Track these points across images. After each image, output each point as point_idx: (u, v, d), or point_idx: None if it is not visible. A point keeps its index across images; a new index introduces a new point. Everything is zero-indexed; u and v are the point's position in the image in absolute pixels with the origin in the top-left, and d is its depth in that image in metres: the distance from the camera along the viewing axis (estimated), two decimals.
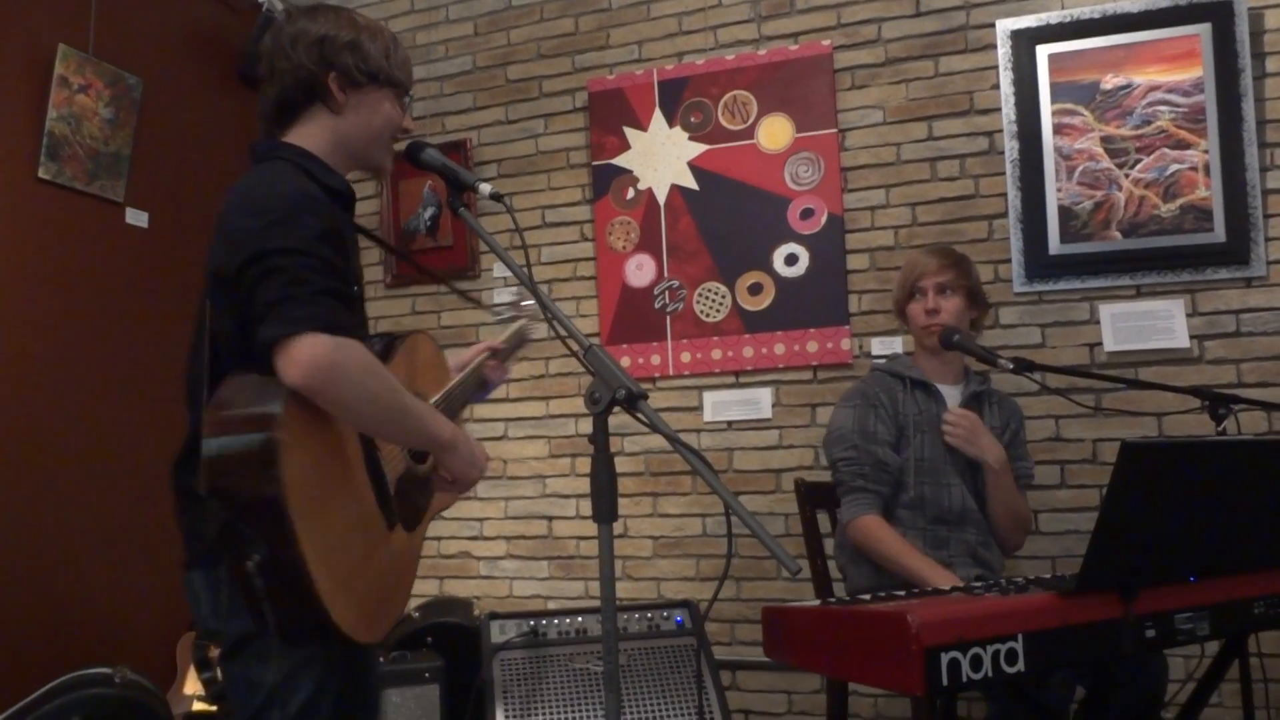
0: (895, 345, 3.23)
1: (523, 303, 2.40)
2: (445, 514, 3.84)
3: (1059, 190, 3.17)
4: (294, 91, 1.72)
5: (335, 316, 1.49)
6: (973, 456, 2.47)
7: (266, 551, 1.41)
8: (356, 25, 1.77)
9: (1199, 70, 3.05)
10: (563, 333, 1.57)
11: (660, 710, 2.67)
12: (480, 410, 3.79)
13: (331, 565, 1.46)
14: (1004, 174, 3.23)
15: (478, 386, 2.09)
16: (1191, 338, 3.04)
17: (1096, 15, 3.15)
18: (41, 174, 3.18)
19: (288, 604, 1.44)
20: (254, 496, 1.40)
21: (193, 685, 3.17)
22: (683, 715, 2.65)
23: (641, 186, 3.65)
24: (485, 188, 1.73)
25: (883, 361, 2.70)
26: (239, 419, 1.43)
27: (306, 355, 1.44)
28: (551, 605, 3.61)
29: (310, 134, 1.74)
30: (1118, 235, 3.11)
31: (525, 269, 1.61)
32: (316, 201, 1.60)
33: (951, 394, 2.58)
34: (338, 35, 1.73)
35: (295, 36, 1.72)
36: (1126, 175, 3.12)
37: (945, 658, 1.45)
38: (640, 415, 1.43)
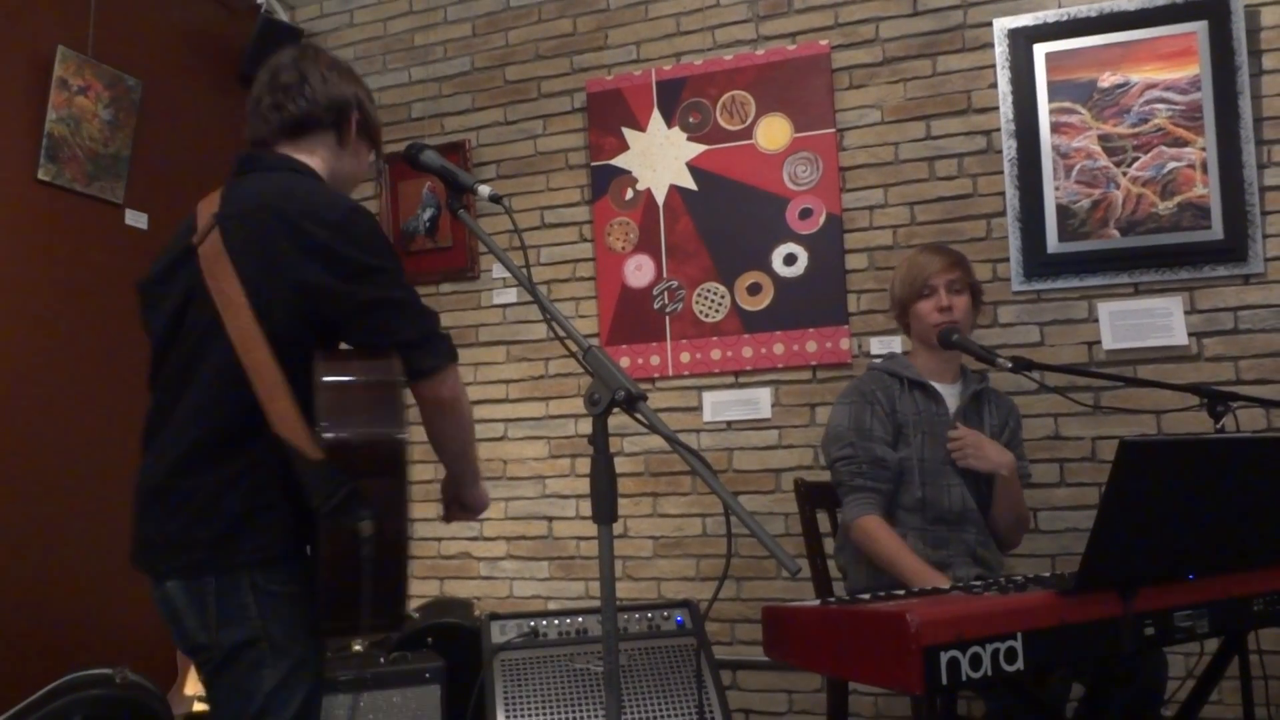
0: (894, 345, 3.23)
1: None
2: None
3: (1057, 189, 3.18)
4: (323, 112, 1.84)
5: (450, 346, 1.74)
6: (984, 471, 2.47)
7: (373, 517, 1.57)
8: (365, 87, 1.95)
9: (1196, 68, 3.05)
10: (562, 334, 1.57)
11: (661, 710, 2.67)
12: (480, 411, 3.79)
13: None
14: (1002, 173, 3.24)
15: None
16: (1190, 335, 3.04)
17: (1093, 14, 3.15)
18: (41, 175, 3.18)
19: (388, 578, 1.58)
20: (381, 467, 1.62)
21: (193, 686, 3.17)
22: (683, 715, 2.66)
23: (640, 187, 3.65)
24: (484, 189, 1.74)
25: (879, 360, 2.70)
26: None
27: (453, 383, 1.74)
28: (552, 606, 3.61)
29: (314, 156, 1.84)
30: (1116, 233, 3.12)
31: (524, 270, 1.61)
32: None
33: (950, 393, 2.58)
34: (360, 84, 1.92)
35: (337, 72, 1.88)
36: (1124, 173, 3.12)
37: (944, 656, 1.45)
38: (639, 416, 1.44)
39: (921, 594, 1.86)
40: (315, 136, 1.85)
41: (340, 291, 1.64)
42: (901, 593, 1.91)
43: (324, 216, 1.65)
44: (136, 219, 3.54)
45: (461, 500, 1.97)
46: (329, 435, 1.59)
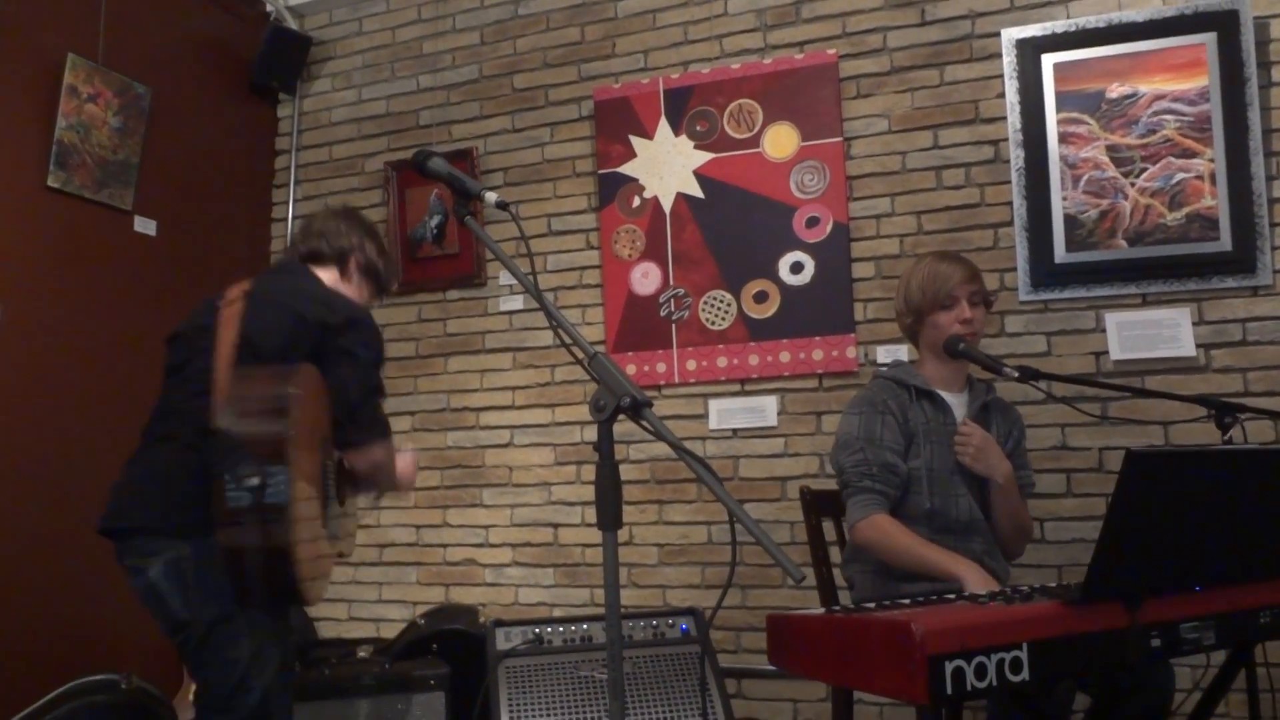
0: (900, 354, 3.23)
1: None
2: (451, 522, 3.86)
3: (1064, 199, 3.17)
4: (329, 250, 2.40)
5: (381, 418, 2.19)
6: (980, 473, 2.46)
7: (259, 473, 1.86)
8: (379, 242, 2.51)
9: (1204, 79, 3.05)
10: (568, 340, 1.58)
11: (665, 717, 2.67)
12: (486, 418, 3.80)
13: (300, 506, 1.90)
14: (1009, 183, 3.24)
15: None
16: (1198, 346, 3.03)
17: (1102, 24, 3.15)
18: (50, 182, 3.20)
19: (263, 523, 1.86)
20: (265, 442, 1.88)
21: None
22: None
23: (647, 195, 3.66)
24: (491, 196, 1.75)
25: (885, 369, 2.69)
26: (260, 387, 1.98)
27: (381, 452, 2.17)
28: (557, 612, 3.61)
29: (330, 279, 2.36)
30: (1123, 244, 3.11)
31: (531, 277, 1.62)
32: None
33: (957, 402, 2.57)
34: (372, 242, 2.47)
35: (366, 229, 2.47)
36: (1132, 184, 3.12)
37: (949, 666, 1.44)
38: (645, 423, 1.44)
39: (927, 603, 1.86)
40: (325, 264, 2.39)
41: (324, 325, 2.11)
42: (907, 601, 1.90)
43: (330, 302, 2.19)
44: (145, 225, 3.56)
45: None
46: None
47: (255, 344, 2.08)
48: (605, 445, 1.46)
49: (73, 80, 3.25)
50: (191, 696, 3.20)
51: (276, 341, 2.09)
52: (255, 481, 1.86)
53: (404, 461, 2.40)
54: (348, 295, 2.36)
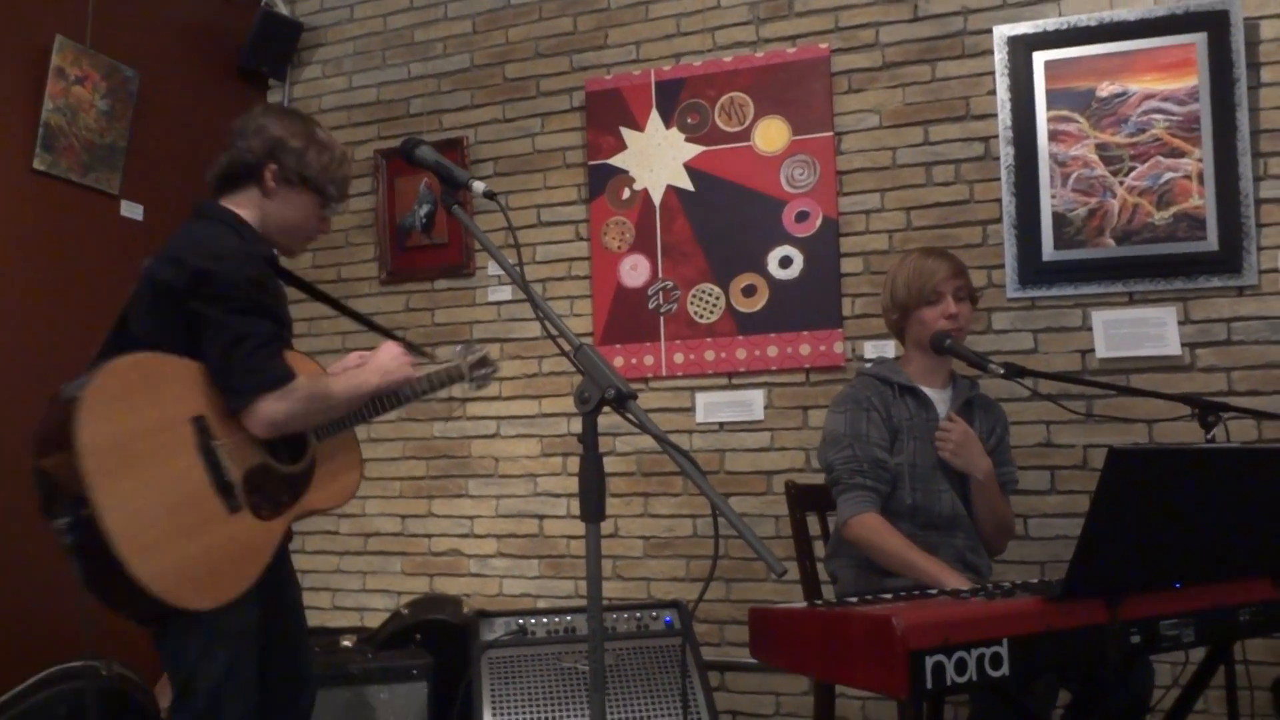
0: (887, 349, 3.23)
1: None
2: (436, 512, 3.86)
3: (1053, 196, 3.18)
4: (238, 168, 2.11)
5: (277, 372, 1.95)
6: (959, 469, 2.47)
7: (70, 513, 1.73)
8: (309, 137, 2.12)
9: (1194, 79, 3.06)
10: (554, 332, 1.58)
11: (647, 710, 2.67)
12: (472, 408, 3.79)
13: (135, 530, 1.76)
14: (999, 179, 3.24)
15: (382, 404, 2.27)
16: (1183, 345, 3.05)
17: (1093, 23, 3.16)
18: (37, 165, 3.18)
19: (91, 557, 1.74)
20: (52, 456, 1.78)
21: None
22: (670, 716, 2.66)
23: (637, 187, 3.65)
24: (478, 186, 1.75)
25: (869, 366, 2.69)
26: (60, 397, 1.83)
27: (266, 415, 1.94)
28: (541, 604, 3.61)
29: (243, 205, 2.11)
30: (1111, 242, 3.12)
31: (518, 268, 1.61)
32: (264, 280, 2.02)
33: (940, 398, 2.58)
34: (288, 139, 2.10)
35: (257, 129, 2.10)
36: (1121, 183, 3.13)
37: (930, 661, 1.45)
38: (629, 415, 1.44)
39: (908, 598, 1.86)
40: (242, 189, 2.12)
41: (183, 294, 1.93)
42: (889, 596, 1.91)
43: (180, 258, 1.95)
44: (132, 210, 3.53)
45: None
46: None
47: (129, 328, 1.98)
48: (589, 437, 1.46)
49: (60, 62, 3.22)
50: None
51: (145, 323, 1.96)
52: (64, 523, 1.76)
53: (383, 357, 2.18)
54: (278, 218, 2.12)
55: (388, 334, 2.21)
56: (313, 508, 2.10)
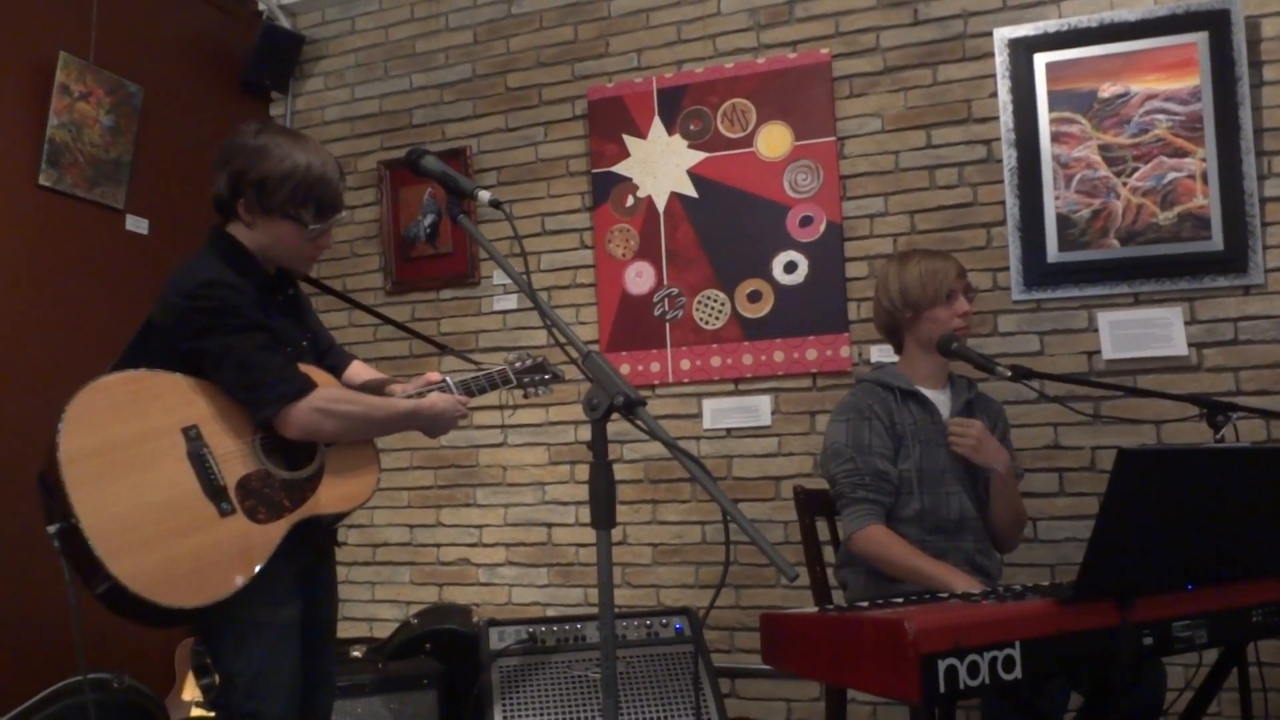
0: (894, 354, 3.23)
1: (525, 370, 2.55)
2: (445, 521, 3.86)
3: (1057, 198, 3.18)
4: (217, 203, 2.11)
5: (299, 383, 2.00)
6: (980, 465, 2.47)
7: (61, 520, 1.81)
8: (273, 164, 2.05)
9: (1196, 79, 3.06)
10: (562, 340, 1.58)
11: (659, 717, 2.67)
12: (480, 417, 3.79)
13: (114, 531, 1.82)
14: (1002, 182, 3.24)
15: None
16: (1190, 346, 3.04)
17: (1094, 24, 3.16)
18: (42, 181, 3.19)
19: (79, 562, 1.82)
20: (46, 469, 1.87)
21: (191, 691, 3.16)
22: None
23: (641, 194, 3.66)
24: (484, 195, 1.76)
25: (868, 373, 2.68)
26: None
27: (299, 421, 2.00)
28: (550, 612, 3.61)
29: (240, 232, 2.11)
30: (1116, 243, 3.12)
31: (524, 276, 1.62)
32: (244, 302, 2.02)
33: (942, 400, 2.58)
34: (249, 171, 2.05)
35: (224, 162, 2.08)
36: (1124, 183, 3.12)
37: (942, 665, 1.45)
38: (638, 421, 1.44)
39: (920, 602, 1.86)
40: (233, 218, 2.11)
41: (151, 329, 2.04)
42: (900, 600, 1.90)
43: (163, 295, 2.03)
44: (137, 224, 3.54)
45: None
46: None
47: (129, 364, 2.03)
48: (599, 444, 1.46)
49: (64, 79, 3.24)
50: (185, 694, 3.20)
51: (136, 359, 2.03)
52: (54, 529, 1.84)
53: (442, 406, 2.21)
54: (266, 246, 2.10)
55: (441, 347, 2.20)
56: (320, 511, 2.09)
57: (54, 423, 1.86)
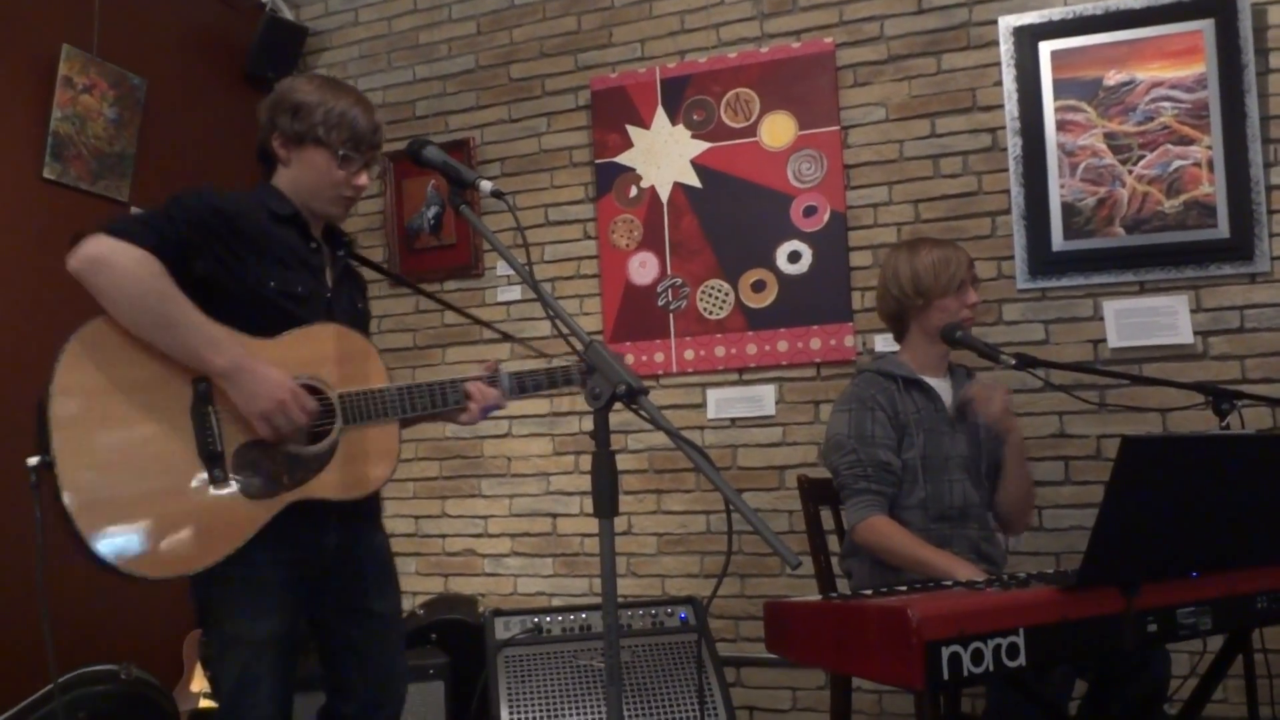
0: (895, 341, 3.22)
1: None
2: (450, 512, 3.87)
3: (1062, 187, 3.17)
4: (259, 151, 2.07)
5: (133, 228, 1.81)
6: (1003, 429, 2.48)
7: (42, 454, 1.72)
8: (307, 94, 2.01)
9: (1202, 66, 3.05)
10: (565, 330, 1.58)
11: (664, 706, 2.68)
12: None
13: (90, 482, 1.73)
14: (1007, 171, 3.23)
15: (433, 401, 2.07)
16: (1195, 334, 3.03)
17: (1099, 11, 3.14)
18: (46, 174, 3.19)
19: (54, 507, 1.72)
20: (41, 396, 1.76)
21: (199, 683, 3.18)
22: (686, 711, 2.66)
23: (644, 184, 3.65)
24: (486, 185, 1.75)
25: (869, 363, 2.68)
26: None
27: (85, 248, 1.78)
28: (555, 602, 3.61)
29: (280, 179, 2.06)
30: (1121, 231, 3.11)
31: (527, 267, 1.61)
32: (224, 203, 1.93)
33: (943, 387, 2.59)
34: (284, 101, 2.02)
35: (262, 105, 2.05)
36: (1130, 171, 3.11)
37: (946, 652, 1.45)
38: (641, 410, 1.44)
39: (924, 589, 1.86)
40: (277, 165, 2.06)
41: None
42: (904, 588, 1.91)
43: None
44: None
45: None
46: None
47: None
48: (601, 433, 1.46)
49: (68, 71, 3.24)
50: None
51: None
52: (33, 462, 1.73)
53: (264, 385, 1.85)
54: (299, 183, 2.03)
55: (506, 335, 2.02)
56: (318, 494, 1.92)
57: (60, 344, 1.75)
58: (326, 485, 1.93)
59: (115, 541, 1.74)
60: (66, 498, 1.72)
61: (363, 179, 2.07)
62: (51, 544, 1.75)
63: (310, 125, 1.99)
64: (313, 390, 1.92)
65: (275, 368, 1.86)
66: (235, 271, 1.92)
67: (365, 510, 2.10)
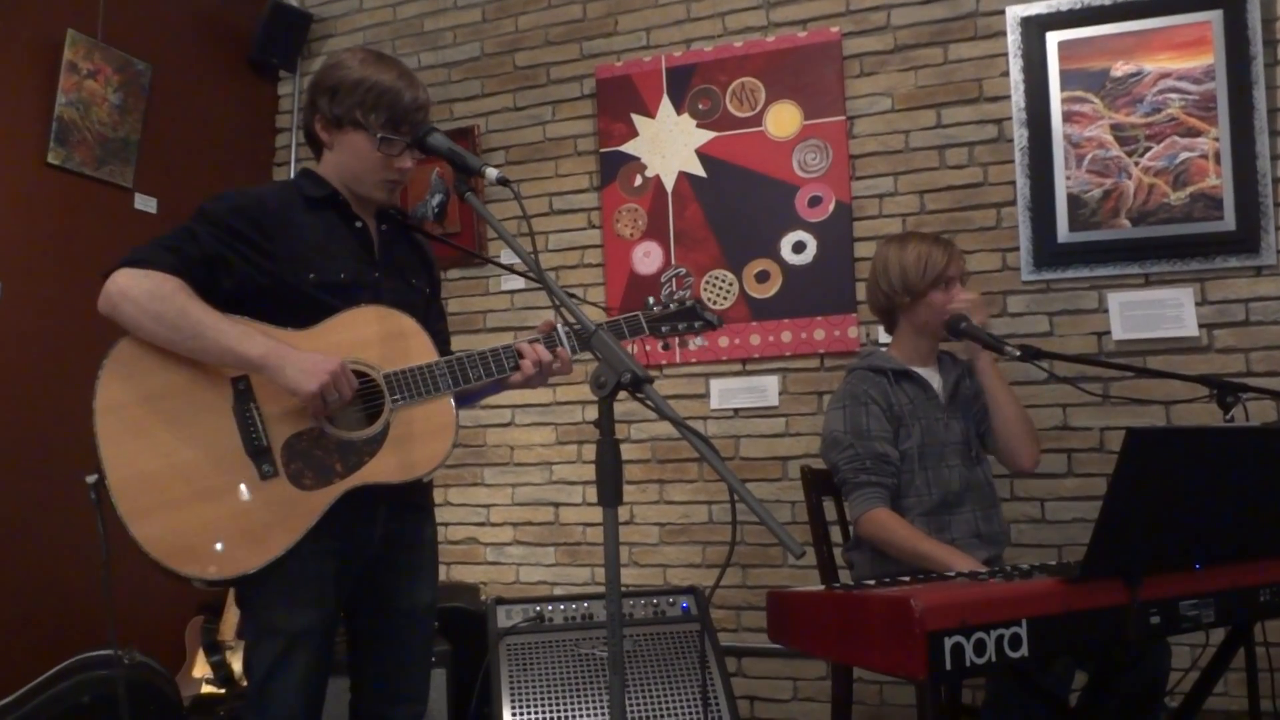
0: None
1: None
2: (452, 501, 3.86)
3: (1068, 178, 3.16)
4: (307, 137, 2.06)
5: (149, 255, 1.83)
6: (980, 324, 2.48)
7: (96, 472, 1.77)
8: (345, 70, 1.97)
9: (1210, 58, 3.03)
10: (570, 319, 1.58)
11: (665, 696, 2.68)
12: (489, 398, 3.79)
13: (139, 489, 1.76)
14: (1013, 162, 3.22)
15: (486, 369, 1.98)
16: (1200, 326, 3.03)
17: (1107, 2, 3.13)
18: (50, 159, 3.19)
19: (111, 518, 1.75)
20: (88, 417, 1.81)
21: (202, 668, 3.19)
22: (688, 701, 2.67)
23: (649, 174, 3.64)
24: (492, 172, 1.75)
25: (859, 359, 2.69)
26: None
27: (106, 287, 1.86)
28: (557, 591, 3.62)
29: (325, 162, 2.05)
30: (1127, 223, 3.10)
31: (532, 255, 1.61)
32: (246, 201, 1.94)
33: (934, 376, 2.60)
34: (323, 79, 1.99)
35: (311, 86, 2.02)
36: (1136, 163, 3.10)
37: (948, 642, 1.45)
38: (645, 399, 1.43)
39: (926, 579, 1.86)
40: (323, 150, 2.04)
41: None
42: (906, 579, 1.91)
43: None
44: (146, 203, 3.54)
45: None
46: None
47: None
48: (605, 422, 1.46)
49: (72, 56, 3.23)
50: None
51: None
52: (91, 480, 1.78)
53: (310, 361, 1.81)
54: (342, 167, 2.00)
55: (562, 300, 1.70)
56: (376, 479, 1.86)
57: (98, 363, 1.82)
58: (382, 469, 1.87)
59: (172, 546, 1.76)
60: (121, 508, 1.76)
61: (406, 161, 1.99)
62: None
63: (348, 108, 1.95)
64: (357, 374, 1.88)
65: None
66: (269, 269, 1.89)
67: (417, 500, 2.07)
